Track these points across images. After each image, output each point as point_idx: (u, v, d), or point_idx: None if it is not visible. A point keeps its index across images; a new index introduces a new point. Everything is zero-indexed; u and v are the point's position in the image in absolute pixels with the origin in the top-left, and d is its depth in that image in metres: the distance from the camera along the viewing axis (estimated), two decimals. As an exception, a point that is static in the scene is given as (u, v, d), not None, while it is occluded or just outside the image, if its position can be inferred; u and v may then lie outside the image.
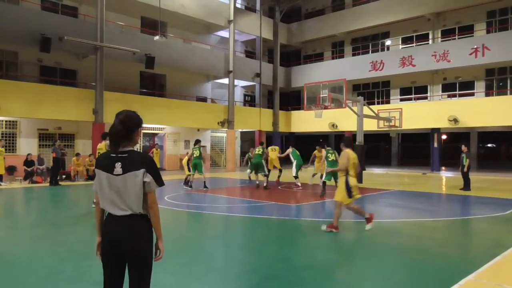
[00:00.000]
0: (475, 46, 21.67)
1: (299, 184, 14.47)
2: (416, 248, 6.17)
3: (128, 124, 2.71)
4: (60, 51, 18.73)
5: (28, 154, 16.79)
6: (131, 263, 2.65)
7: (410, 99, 26.02)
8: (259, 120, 27.21)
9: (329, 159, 11.65)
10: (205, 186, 13.68)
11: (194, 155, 13.74)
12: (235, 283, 4.58)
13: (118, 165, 2.63)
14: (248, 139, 29.73)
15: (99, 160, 2.77)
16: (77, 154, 17.84)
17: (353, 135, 23.73)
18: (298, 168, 14.73)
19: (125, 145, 2.69)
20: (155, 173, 2.68)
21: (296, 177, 14.62)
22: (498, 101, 21.19)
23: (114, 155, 2.67)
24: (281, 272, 4.89)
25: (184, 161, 14.86)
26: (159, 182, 2.70)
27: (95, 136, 18.88)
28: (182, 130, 24.55)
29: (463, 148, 13.72)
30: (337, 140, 30.52)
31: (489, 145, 29.63)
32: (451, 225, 8.23)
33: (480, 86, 23.59)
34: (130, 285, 2.66)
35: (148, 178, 2.65)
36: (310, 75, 27.09)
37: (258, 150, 14.36)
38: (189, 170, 14.22)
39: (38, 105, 17.19)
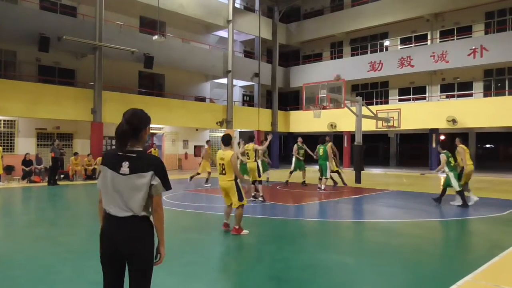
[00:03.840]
0: (474, 47, 21.72)
1: (322, 187, 13.38)
2: (414, 248, 6.19)
3: (135, 123, 2.65)
4: (59, 51, 18.72)
5: (26, 154, 16.77)
6: (132, 265, 2.60)
7: (408, 100, 26.07)
8: (257, 120, 27.22)
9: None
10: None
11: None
12: (234, 284, 4.58)
13: (125, 165, 2.57)
14: (246, 139, 29.72)
15: (106, 157, 2.70)
16: (75, 154, 17.82)
17: (351, 135, 23.82)
18: (320, 169, 13.53)
19: (133, 145, 2.64)
20: (164, 176, 2.64)
21: (320, 178, 13.60)
22: (496, 102, 21.25)
23: (122, 153, 2.60)
24: (280, 272, 4.90)
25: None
26: (167, 186, 2.67)
27: (93, 135, 18.88)
28: (180, 129, 24.54)
29: (461, 148, 13.72)
30: (336, 140, 30.54)
31: (487, 145, 29.71)
32: (449, 225, 8.25)
33: (478, 87, 23.65)
34: (130, 287, 2.63)
35: (156, 181, 2.60)
36: (308, 75, 27.13)
37: (321, 150, 13.43)
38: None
39: (37, 105, 17.17)
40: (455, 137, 11.54)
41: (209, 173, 14.92)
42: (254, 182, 10.91)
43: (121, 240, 2.56)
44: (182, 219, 8.60)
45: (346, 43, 28.96)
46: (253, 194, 10.87)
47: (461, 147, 10.39)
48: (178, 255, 5.46)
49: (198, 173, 15.44)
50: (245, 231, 6.91)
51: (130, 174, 2.56)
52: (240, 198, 6.71)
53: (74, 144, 19.96)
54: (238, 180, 6.76)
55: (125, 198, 2.57)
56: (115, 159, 2.61)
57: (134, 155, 2.60)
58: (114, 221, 2.59)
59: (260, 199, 10.70)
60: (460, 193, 9.98)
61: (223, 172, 6.72)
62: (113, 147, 22.28)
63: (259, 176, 10.86)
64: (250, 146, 10.92)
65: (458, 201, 9.99)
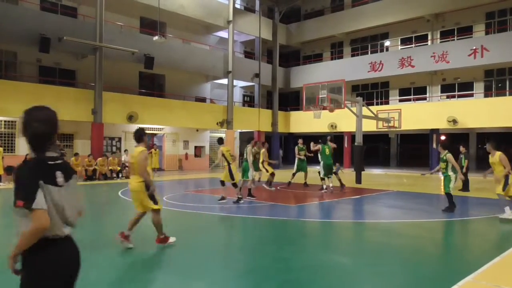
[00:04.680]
0: (474, 47, 21.71)
1: (324, 187, 13.23)
2: (414, 249, 6.18)
3: (55, 125, 2.27)
4: (59, 51, 18.74)
5: (27, 154, 16.74)
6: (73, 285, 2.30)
7: (409, 100, 26.06)
8: (258, 120, 27.23)
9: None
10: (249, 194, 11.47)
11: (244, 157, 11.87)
12: (233, 284, 4.58)
13: (59, 174, 2.17)
14: (246, 139, 29.74)
15: (39, 171, 2.13)
16: (76, 154, 17.82)
17: (352, 136, 23.81)
18: (326, 169, 13.19)
19: (51, 149, 2.22)
20: None
21: (322, 178, 13.32)
22: (497, 102, 21.23)
23: (51, 162, 2.18)
24: (280, 272, 4.89)
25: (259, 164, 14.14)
26: None
27: (94, 136, 18.89)
28: (181, 130, 24.54)
29: (462, 149, 13.72)
30: (336, 140, 30.55)
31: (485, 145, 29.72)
32: (450, 226, 8.24)
33: (479, 87, 23.63)
34: None
35: (78, 181, 2.39)
36: (309, 75, 27.12)
37: (327, 150, 13.16)
38: (266, 171, 13.78)
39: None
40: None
41: (272, 174, 13.88)
42: (223, 183, 10.73)
43: (78, 261, 2.30)
44: (182, 219, 8.60)
45: (347, 44, 28.95)
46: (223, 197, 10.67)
47: (502, 155, 8.54)
48: (177, 256, 5.46)
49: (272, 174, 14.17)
50: (171, 239, 5.86)
51: (66, 183, 2.22)
52: (154, 201, 5.79)
53: (74, 144, 19.96)
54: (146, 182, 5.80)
55: (70, 210, 2.23)
56: (47, 170, 2.16)
57: (60, 161, 2.23)
58: (68, 242, 2.25)
59: (237, 198, 10.52)
60: (449, 195, 9.35)
61: (134, 172, 5.84)
62: (113, 148, 21.98)
63: (232, 179, 10.55)
64: (224, 148, 10.59)
65: (507, 215, 8.33)
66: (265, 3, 29.03)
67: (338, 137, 26.89)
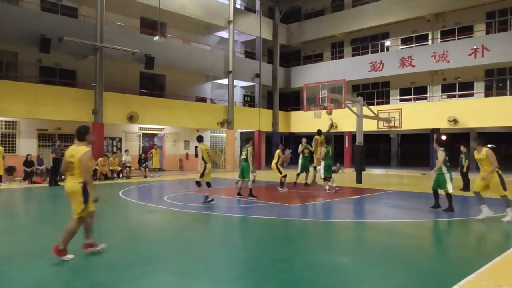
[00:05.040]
0: (475, 47, 21.70)
1: (327, 187, 13.34)
2: (415, 248, 6.17)
3: None
4: (60, 52, 18.75)
5: (28, 155, 16.79)
6: None
7: (409, 100, 26.04)
8: (258, 120, 27.23)
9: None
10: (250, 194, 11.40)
11: (242, 157, 11.75)
12: (234, 284, 4.57)
13: None
14: (244, 139, 29.70)
15: None
16: (77, 155, 17.81)
17: (353, 135, 23.80)
18: (327, 169, 13.32)
19: None
20: None
21: (324, 178, 13.38)
22: (498, 102, 21.22)
23: None
24: (281, 272, 4.89)
25: (273, 164, 14.11)
26: None
27: (94, 136, 18.89)
28: (181, 130, 24.55)
29: (462, 148, 13.72)
30: (337, 140, 30.54)
31: (488, 145, 29.67)
32: (450, 226, 8.23)
33: (479, 87, 23.61)
34: None
35: None
36: (309, 75, 27.13)
37: (330, 151, 13.33)
38: (280, 172, 13.74)
39: (38, 106, 17.20)
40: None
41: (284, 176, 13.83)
42: (209, 184, 10.38)
43: None
44: (181, 220, 8.60)
45: (347, 43, 28.94)
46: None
47: (489, 151, 8.40)
48: (177, 256, 5.46)
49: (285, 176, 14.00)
50: (69, 256, 5.24)
51: None
52: (83, 207, 5.44)
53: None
54: (88, 186, 5.42)
55: None
56: None
57: None
58: None
59: (209, 201, 10.30)
60: (449, 196, 9.22)
61: (72, 172, 5.43)
62: (114, 148, 22.04)
63: (200, 177, 10.20)
64: (203, 146, 10.28)
65: (508, 218, 8.12)
66: (265, 3, 29.04)
67: (339, 137, 26.91)
